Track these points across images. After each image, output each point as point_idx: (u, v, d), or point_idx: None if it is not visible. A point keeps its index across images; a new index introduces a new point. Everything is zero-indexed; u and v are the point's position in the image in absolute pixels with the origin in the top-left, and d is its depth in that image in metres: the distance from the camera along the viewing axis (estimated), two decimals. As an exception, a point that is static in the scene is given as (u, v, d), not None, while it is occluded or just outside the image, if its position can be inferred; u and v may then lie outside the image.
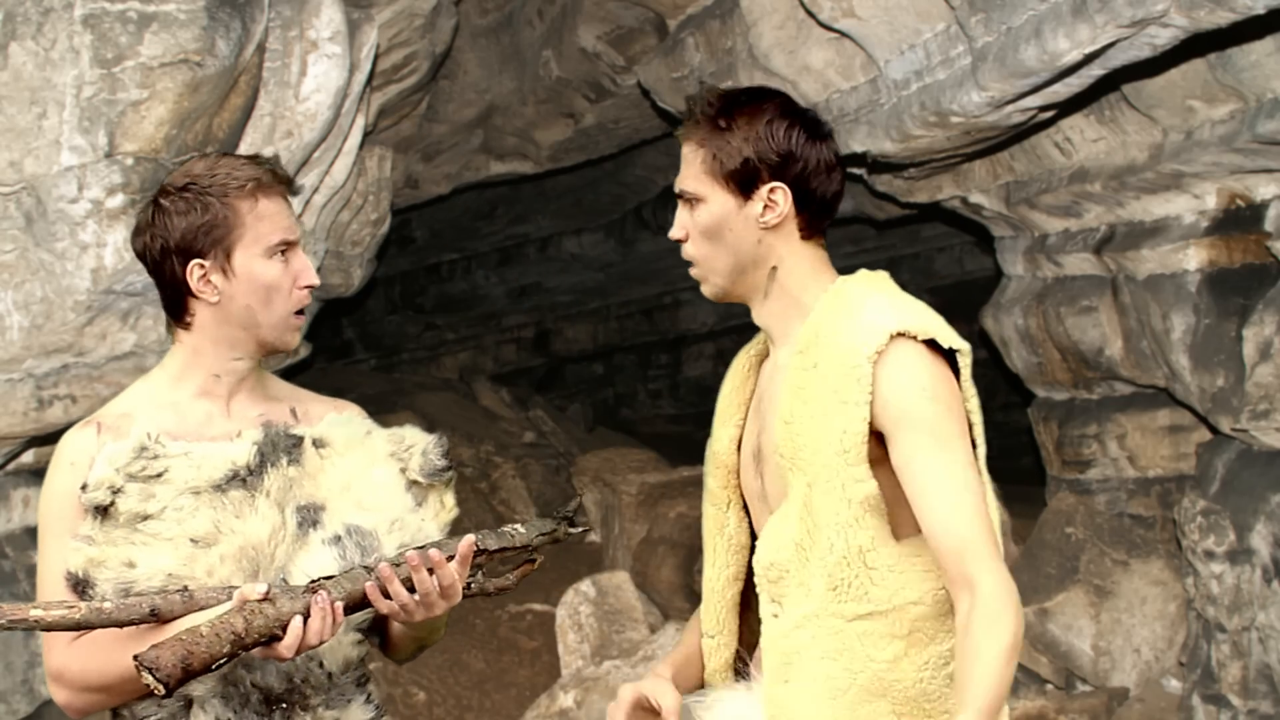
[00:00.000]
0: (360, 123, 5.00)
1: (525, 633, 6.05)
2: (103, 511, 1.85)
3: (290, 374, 6.07)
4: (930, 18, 4.34)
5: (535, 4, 6.89)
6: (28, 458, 4.33)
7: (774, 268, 1.92)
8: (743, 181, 1.89)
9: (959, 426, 1.79)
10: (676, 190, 1.95)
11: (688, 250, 1.95)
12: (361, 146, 5.20)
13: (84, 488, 1.86)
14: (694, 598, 5.89)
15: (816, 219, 1.94)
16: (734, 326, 12.51)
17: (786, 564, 1.85)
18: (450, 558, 1.78)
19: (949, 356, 1.84)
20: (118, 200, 3.69)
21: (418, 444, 2.06)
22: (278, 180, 1.95)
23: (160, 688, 1.48)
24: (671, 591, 5.98)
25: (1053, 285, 5.69)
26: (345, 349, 11.82)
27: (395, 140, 6.49)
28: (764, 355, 2.08)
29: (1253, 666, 4.47)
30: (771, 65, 5.19)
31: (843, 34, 4.77)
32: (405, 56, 5.58)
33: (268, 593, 1.64)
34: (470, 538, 1.81)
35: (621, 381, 12.82)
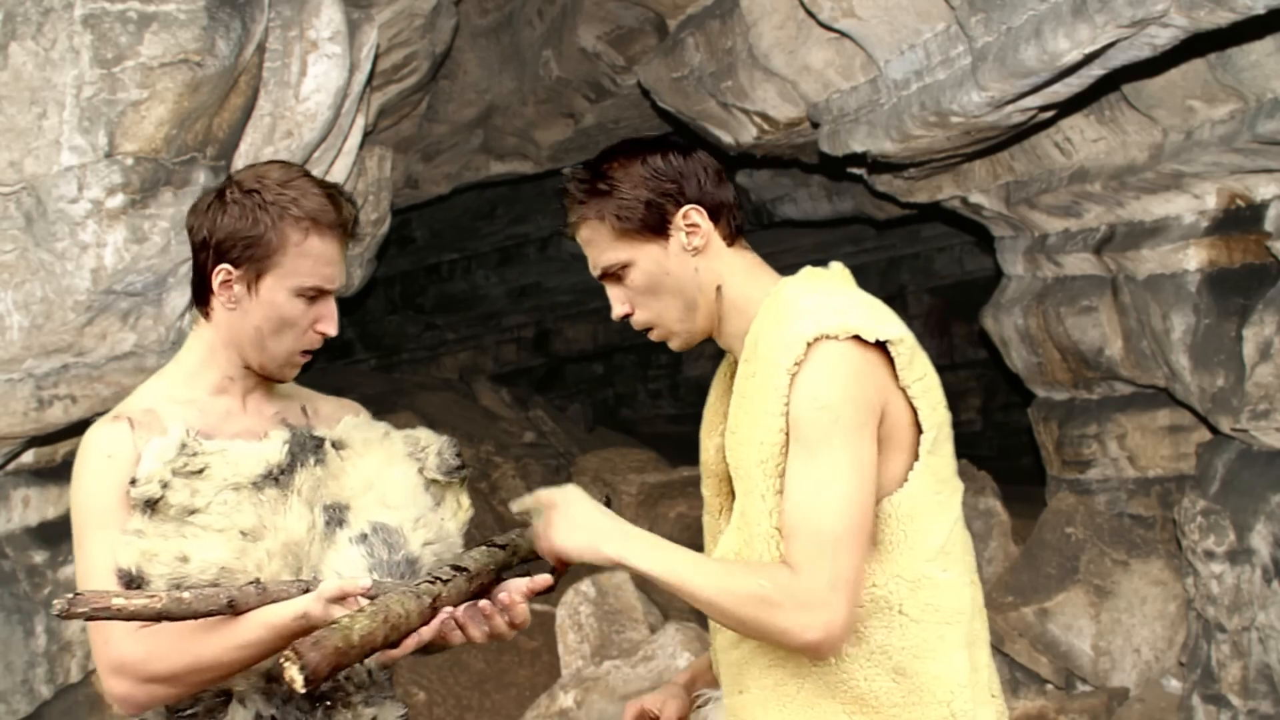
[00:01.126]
0: (360, 123, 5.00)
1: (525, 633, 6.05)
2: (151, 505, 1.84)
3: (290, 374, 5.95)
4: (930, 18, 4.34)
5: (535, 4, 6.89)
6: (28, 458, 4.32)
7: (718, 287, 1.93)
8: (655, 224, 1.91)
9: (844, 437, 1.75)
10: (599, 273, 1.95)
11: (639, 319, 1.96)
12: (361, 146, 5.20)
13: (133, 482, 1.84)
14: (694, 598, 5.88)
15: (731, 224, 1.95)
16: (734, 326, 12.52)
17: None
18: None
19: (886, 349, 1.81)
20: (118, 200, 3.69)
21: (432, 444, 2.08)
22: (339, 221, 1.92)
23: (301, 686, 1.48)
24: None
25: (1053, 285, 5.69)
26: (345, 349, 11.82)
27: (395, 140, 6.50)
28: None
29: (1253, 666, 4.47)
30: (771, 65, 5.19)
31: (843, 34, 4.77)
32: (405, 56, 5.58)
33: (371, 589, 1.66)
34: (546, 578, 1.85)
35: (621, 381, 12.83)
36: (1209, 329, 4.77)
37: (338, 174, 4.99)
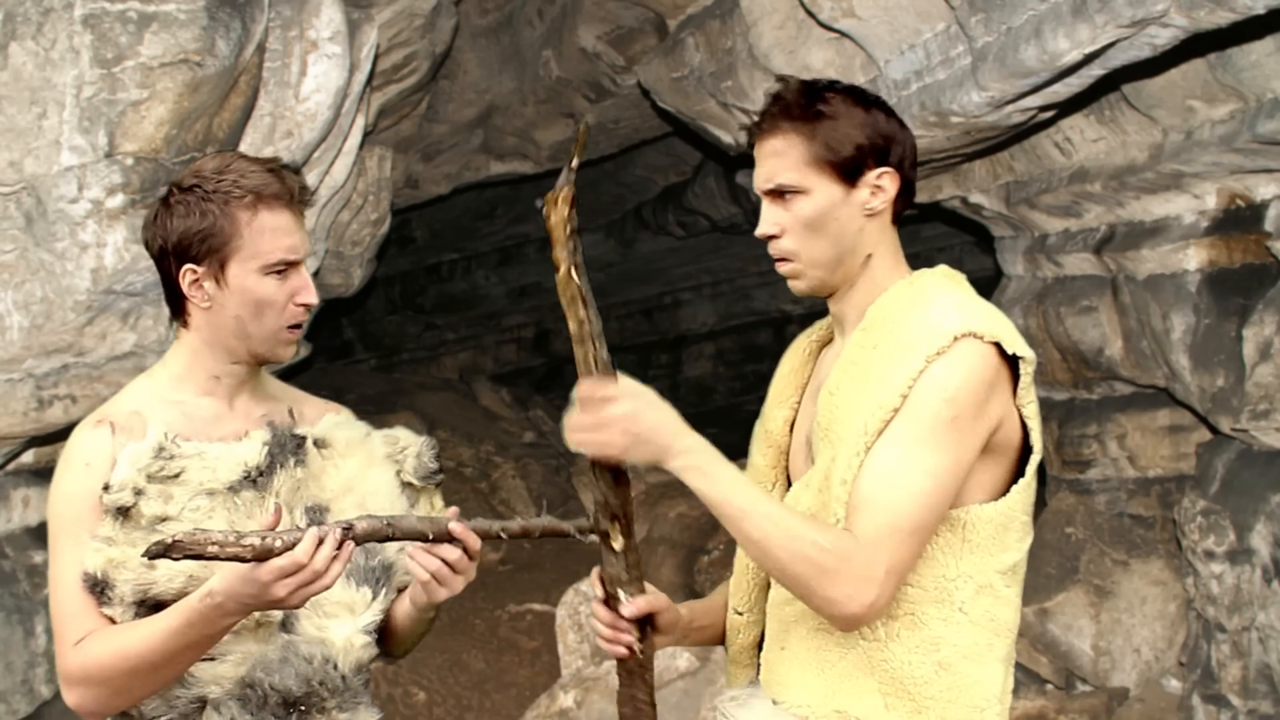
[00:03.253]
0: (360, 123, 5.00)
1: (525, 633, 6.05)
2: (124, 513, 1.84)
3: (290, 374, 6.06)
4: (930, 18, 4.34)
5: (535, 4, 6.90)
6: (28, 458, 4.33)
7: (869, 255, 1.92)
8: (851, 169, 1.88)
9: (956, 437, 1.75)
10: (769, 186, 1.90)
11: (783, 245, 1.91)
12: (361, 146, 5.20)
13: (106, 488, 1.84)
14: (694, 597, 5.88)
15: (905, 204, 1.95)
16: (734, 327, 12.52)
17: None
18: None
19: (1012, 364, 1.82)
20: (118, 200, 3.69)
21: (411, 446, 2.06)
22: (285, 191, 1.90)
23: None
24: (671, 591, 5.96)
25: (1053, 285, 5.69)
26: (345, 349, 11.82)
27: (395, 140, 6.50)
28: (825, 341, 2.08)
29: (1253, 666, 4.47)
30: (771, 65, 5.19)
31: (843, 34, 4.77)
32: (405, 56, 5.58)
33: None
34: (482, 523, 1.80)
35: (621, 381, 12.81)
36: (1209, 329, 4.77)
37: (338, 174, 4.99)
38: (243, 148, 4.28)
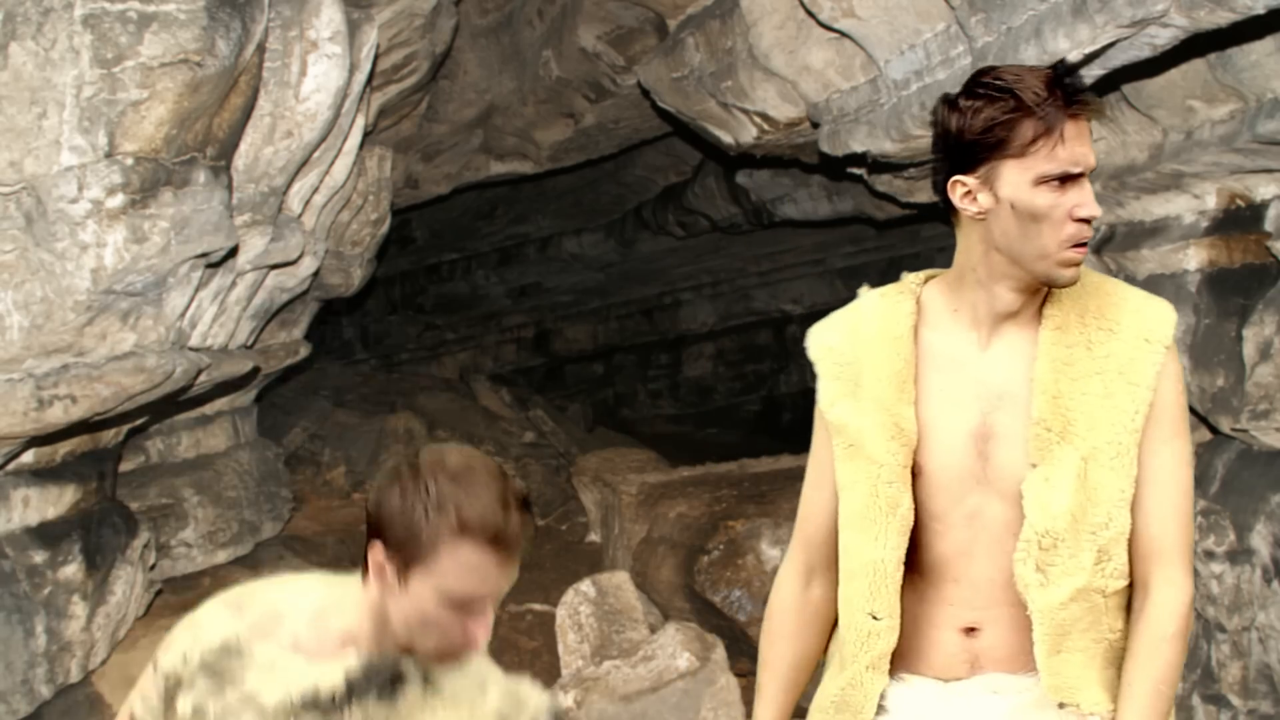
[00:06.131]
0: (360, 123, 5.00)
1: (525, 633, 6.05)
2: (170, 699, 1.78)
3: (290, 374, 6.04)
4: (930, 18, 4.34)
5: (535, 4, 6.90)
6: (28, 458, 4.32)
7: None
8: None
9: (1188, 421, 1.92)
10: (1088, 170, 1.93)
11: (1090, 229, 1.95)
12: (361, 146, 5.20)
13: (154, 666, 1.79)
14: (694, 598, 5.89)
15: None
16: (734, 327, 12.53)
17: (1061, 533, 1.92)
18: None
19: None
20: (118, 200, 3.69)
21: (530, 706, 1.97)
22: (503, 537, 1.72)
23: None
24: (671, 591, 5.98)
25: (1053, 285, 5.69)
26: (345, 349, 11.83)
27: (395, 140, 6.50)
28: (915, 326, 2.04)
29: (1253, 666, 4.47)
30: (771, 65, 5.19)
31: (843, 34, 4.77)
32: (405, 56, 5.58)
33: None
34: None
35: (621, 381, 12.84)
36: (1209, 329, 4.77)
37: (338, 174, 5.00)
38: (243, 148, 4.28)
